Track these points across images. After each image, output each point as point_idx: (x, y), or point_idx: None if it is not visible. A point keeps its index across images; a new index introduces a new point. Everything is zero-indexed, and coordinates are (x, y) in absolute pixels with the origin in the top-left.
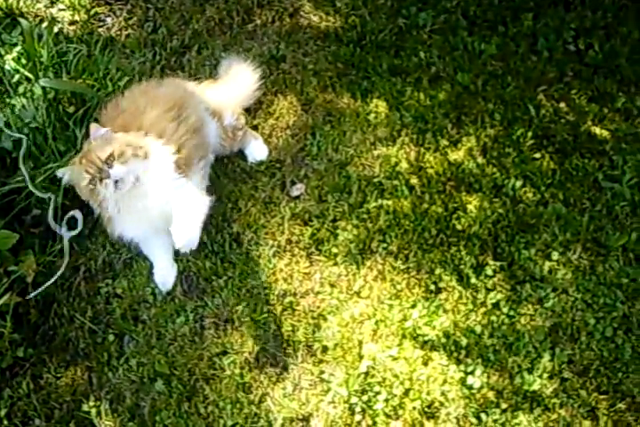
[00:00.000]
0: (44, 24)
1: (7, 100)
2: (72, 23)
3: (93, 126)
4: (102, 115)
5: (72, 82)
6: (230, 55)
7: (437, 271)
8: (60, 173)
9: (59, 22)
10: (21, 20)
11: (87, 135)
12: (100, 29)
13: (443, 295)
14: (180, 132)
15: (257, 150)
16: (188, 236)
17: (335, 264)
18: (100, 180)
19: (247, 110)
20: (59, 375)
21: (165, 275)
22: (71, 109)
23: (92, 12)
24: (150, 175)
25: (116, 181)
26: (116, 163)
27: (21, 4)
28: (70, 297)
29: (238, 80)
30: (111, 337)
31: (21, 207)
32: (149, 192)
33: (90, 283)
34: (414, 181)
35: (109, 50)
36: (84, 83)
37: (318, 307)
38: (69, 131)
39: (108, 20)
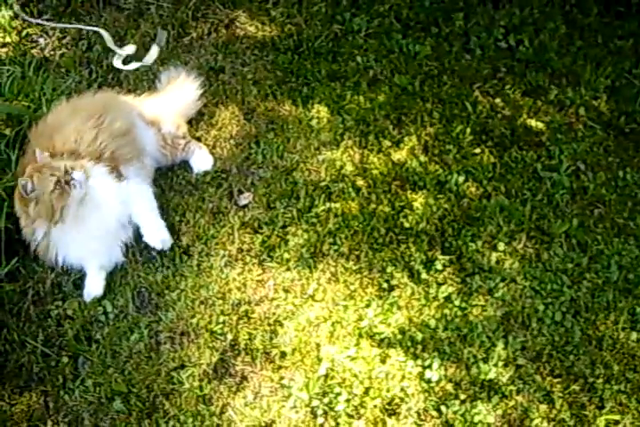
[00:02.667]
0: None
1: None
2: (3, 45)
3: (37, 152)
4: (32, 131)
5: (7, 104)
6: (169, 67)
7: (389, 269)
8: (21, 181)
9: None
10: None
11: (23, 154)
12: (33, 50)
13: (396, 293)
14: (100, 138)
15: (201, 160)
16: (162, 235)
17: (288, 269)
18: (67, 182)
19: (190, 122)
20: (13, 402)
21: (93, 287)
22: (7, 131)
23: (24, 33)
24: (96, 191)
25: (80, 183)
26: (72, 170)
27: None
28: (20, 322)
29: (177, 90)
30: (65, 359)
31: None
32: (102, 204)
33: (39, 306)
34: (360, 182)
35: (44, 70)
36: (19, 104)
37: (274, 313)
38: (2, 154)
39: (41, 40)
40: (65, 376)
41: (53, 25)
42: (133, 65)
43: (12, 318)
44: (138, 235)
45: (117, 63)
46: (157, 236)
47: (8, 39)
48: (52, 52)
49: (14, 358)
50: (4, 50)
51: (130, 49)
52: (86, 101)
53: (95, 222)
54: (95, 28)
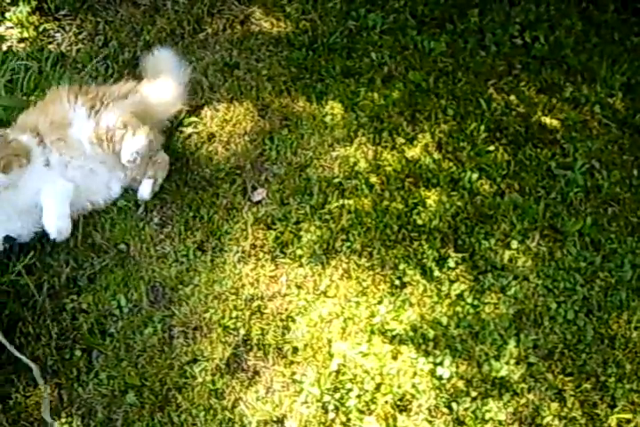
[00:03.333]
0: None
1: None
2: (21, 40)
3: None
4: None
5: (26, 99)
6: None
7: (401, 266)
8: None
9: (7, 40)
10: None
11: None
12: (50, 46)
13: (408, 290)
14: (46, 124)
15: (142, 189)
16: (60, 225)
17: (300, 266)
18: None
19: (203, 118)
20: (27, 395)
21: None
22: None
23: (41, 29)
24: (26, 177)
25: None
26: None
27: None
28: (35, 315)
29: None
30: (79, 353)
31: None
32: (22, 189)
33: (54, 300)
34: (373, 179)
35: (60, 65)
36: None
37: (286, 309)
38: None
39: (58, 35)
40: (79, 369)
41: None
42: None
43: (28, 311)
44: (149, 233)
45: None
46: (54, 223)
47: (26, 34)
48: (68, 48)
49: (29, 351)
50: (22, 45)
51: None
52: (48, 95)
53: (9, 203)
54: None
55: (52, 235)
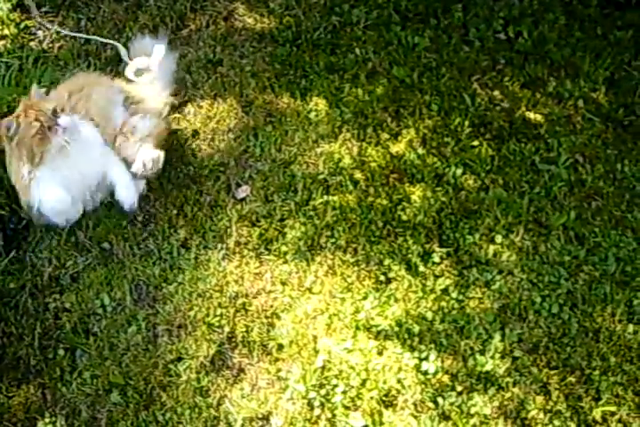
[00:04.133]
0: None
1: None
2: (2, 38)
3: (34, 88)
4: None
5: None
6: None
7: (386, 262)
8: (5, 122)
9: None
10: None
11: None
12: (31, 43)
13: (393, 285)
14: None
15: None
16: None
17: (285, 262)
18: (49, 128)
19: (185, 114)
20: (11, 395)
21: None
22: None
23: (22, 26)
24: (81, 140)
25: (64, 129)
26: (61, 114)
27: None
28: (18, 315)
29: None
30: (62, 352)
31: None
32: (84, 154)
33: (37, 299)
34: (358, 175)
35: (42, 62)
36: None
37: (271, 306)
38: None
39: (40, 33)
40: (62, 369)
41: (72, 34)
42: (145, 77)
43: (10, 311)
44: (133, 231)
45: (130, 74)
46: (130, 195)
47: (7, 31)
48: (50, 45)
49: (12, 351)
50: (3, 42)
51: (142, 61)
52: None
53: (73, 171)
54: (112, 42)
55: (127, 206)
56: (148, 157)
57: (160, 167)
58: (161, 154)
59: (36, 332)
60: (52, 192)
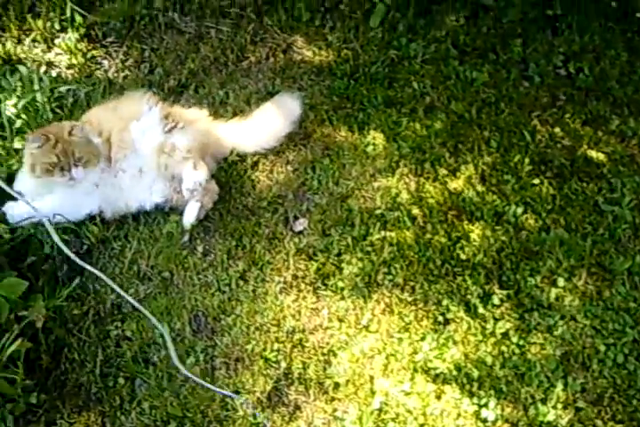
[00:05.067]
0: (42, 69)
1: (8, 145)
2: (70, 67)
3: (87, 125)
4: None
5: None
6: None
7: (445, 302)
8: (32, 137)
9: (56, 66)
10: (19, 66)
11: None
12: (97, 72)
13: (451, 327)
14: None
15: (187, 212)
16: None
17: (342, 298)
18: (62, 168)
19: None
20: (72, 421)
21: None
22: None
23: (89, 55)
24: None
25: (71, 178)
26: (80, 165)
27: (19, 49)
28: (81, 341)
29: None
30: (122, 380)
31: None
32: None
33: (99, 326)
34: (416, 211)
35: (108, 91)
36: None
37: (327, 343)
38: None
39: (105, 62)
40: (122, 398)
41: None
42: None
43: (73, 337)
44: (193, 261)
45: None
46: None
47: (74, 61)
48: (115, 74)
49: (74, 378)
50: (70, 71)
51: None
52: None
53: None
54: None
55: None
56: (190, 180)
57: (203, 183)
58: (202, 172)
59: (97, 359)
60: (19, 205)
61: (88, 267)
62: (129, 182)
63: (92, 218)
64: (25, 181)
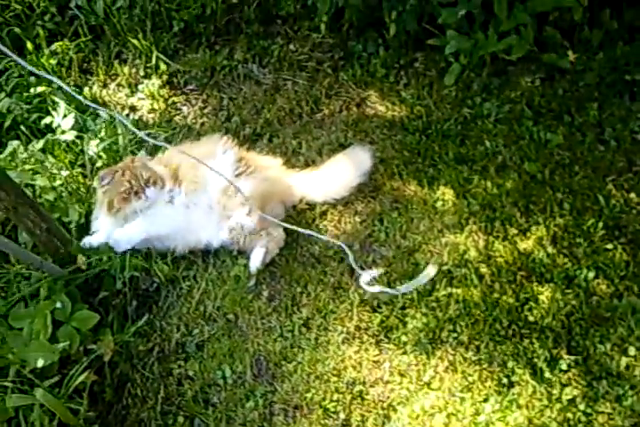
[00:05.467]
0: (125, 112)
1: (89, 183)
2: (151, 111)
3: (141, 153)
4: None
5: None
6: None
7: (510, 364)
8: (102, 173)
9: (138, 110)
10: (101, 112)
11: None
12: (176, 117)
13: (516, 389)
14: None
15: (253, 257)
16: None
17: (405, 353)
18: (136, 192)
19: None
20: None
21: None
22: None
23: (170, 101)
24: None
25: (147, 198)
26: (152, 186)
27: (104, 93)
28: (144, 377)
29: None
30: (181, 419)
31: (100, 286)
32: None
33: (163, 363)
34: (484, 269)
35: (185, 136)
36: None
37: (388, 397)
38: None
39: (185, 108)
40: None
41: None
42: (377, 288)
43: (137, 373)
44: (258, 305)
45: (363, 284)
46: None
47: (156, 106)
48: (193, 120)
49: (135, 413)
50: (152, 115)
51: (374, 273)
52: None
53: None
54: (340, 243)
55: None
56: (235, 220)
57: (246, 228)
58: (251, 220)
59: (159, 396)
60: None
61: None
62: (199, 217)
63: (163, 256)
64: (101, 221)
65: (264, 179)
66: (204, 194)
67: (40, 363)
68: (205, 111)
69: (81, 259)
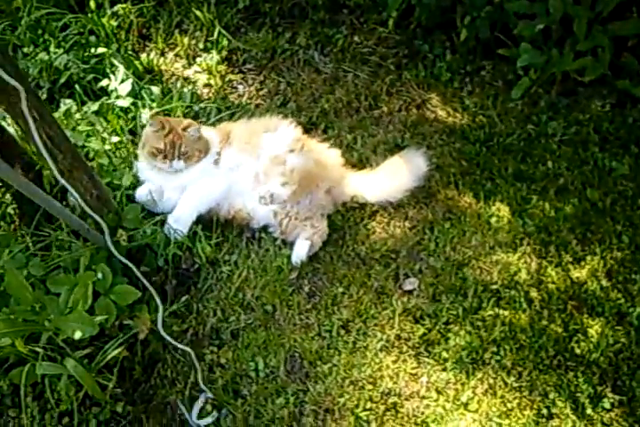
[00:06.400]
0: (179, 84)
1: (139, 152)
2: (206, 86)
3: (200, 126)
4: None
5: None
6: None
7: (551, 395)
8: (152, 120)
9: (193, 83)
10: (154, 86)
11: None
12: (231, 96)
13: (555, 422)
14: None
15: (297, 248)
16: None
17: (444, 370)
18: (165, 156)
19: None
20: None
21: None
22: None
23: (227, 79)
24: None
25: (171, 167)
26: (182, 158)
27: (161, 61)
28: (175, 359)
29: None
30: (209, 407)
31: (141, 261)
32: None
33: (196, 348)
34: (534, 294)
35: (238, 116)
36: None
37: (422, 413)
38: None
39: (240, 87)
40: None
41: None
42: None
43: (169, 353)
44: (298, 300)
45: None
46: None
47: (211, 81)
48: (248, 101)
49: (162, 394)
50: (206, 90)
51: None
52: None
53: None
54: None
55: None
56: (267, 188)
57: (276, 199)
58: (284, 192)
59: (189, 380)
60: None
61: None
62: (243, 182)
63: (207, 236)
64: (140, 163)
65: (314, 160)
66: (252, 161)
67: (78, 335)
68: (261, 93)
69: (120, 233)
